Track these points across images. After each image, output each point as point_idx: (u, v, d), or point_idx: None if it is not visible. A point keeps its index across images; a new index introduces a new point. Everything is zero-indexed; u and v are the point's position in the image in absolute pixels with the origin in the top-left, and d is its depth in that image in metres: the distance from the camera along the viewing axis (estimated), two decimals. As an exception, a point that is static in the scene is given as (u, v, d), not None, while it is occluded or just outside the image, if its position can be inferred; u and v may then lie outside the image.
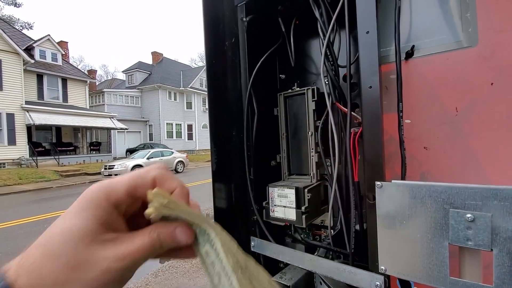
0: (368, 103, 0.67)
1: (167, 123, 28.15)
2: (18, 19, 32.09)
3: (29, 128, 18.27)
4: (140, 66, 31.93)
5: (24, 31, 26.48)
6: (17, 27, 25.64)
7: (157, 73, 30.51)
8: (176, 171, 16.92)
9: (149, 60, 35.46)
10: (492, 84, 0.73)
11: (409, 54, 0.85)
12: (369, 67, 0.66)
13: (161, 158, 16.31)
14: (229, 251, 0.32)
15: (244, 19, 0.94)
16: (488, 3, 0.71)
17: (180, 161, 17.37)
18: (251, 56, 0.95)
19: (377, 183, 0.66)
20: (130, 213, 0.36)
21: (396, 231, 0.64)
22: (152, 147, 21.10)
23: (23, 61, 18.06)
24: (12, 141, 17.06)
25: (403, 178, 0.71)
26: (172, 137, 28.51)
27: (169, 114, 28.46)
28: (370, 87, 0.66)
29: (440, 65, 0.80)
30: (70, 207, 0.33)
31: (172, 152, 17.62)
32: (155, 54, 34.43)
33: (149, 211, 0.30)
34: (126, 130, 24.46)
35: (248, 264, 0.34)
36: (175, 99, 29.25)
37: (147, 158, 15.59)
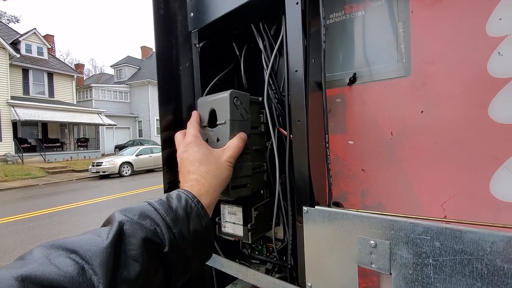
0: (297, 136, 0.73)
1: (157, 119, 27.89)
2: (5, 13, 31.04)
3: (14, 124, 17.86)
4: (129, 61, 31.41)
5: (11, 25, 25.63)
6: (3, 21, 24.77)
7: (146, 68, 30.07)
8: (166, 168, 16.81)
9: (138, 55, 34.89)
10: (422, 112, 0.80)
11: (351, 81, 0.92)
12: (297, 103, 0.73)
13: (151, 155, 16.19)
14: None
15: (197, 45, 0.98)
16: (421, 36, 0.78)
17: (170, 158, 17.26)
18: (205, 79, 1.00)
19: (304, 208, 0.73)
20: None
21: (319, 251, 0.71)
22: (141, 144, 20.89)
23: (9, 55, 17.57)
24: (-4, 137, 16.69)
25: (329, 203, 0.78)
26: (163, 134, 28.25)
27: (160, 110, 28.15)
28: (299, 121, 0.73)
29: (378, 92, 0.87)
30: (189, 148, 0.72)
31: (162, 149, 17.46)
32: (144, 49, 33.89)
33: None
34: (114, 126, 24.13)
35: None
36: (165, 95, 28.90)
37: (136, 155, 15.47)
